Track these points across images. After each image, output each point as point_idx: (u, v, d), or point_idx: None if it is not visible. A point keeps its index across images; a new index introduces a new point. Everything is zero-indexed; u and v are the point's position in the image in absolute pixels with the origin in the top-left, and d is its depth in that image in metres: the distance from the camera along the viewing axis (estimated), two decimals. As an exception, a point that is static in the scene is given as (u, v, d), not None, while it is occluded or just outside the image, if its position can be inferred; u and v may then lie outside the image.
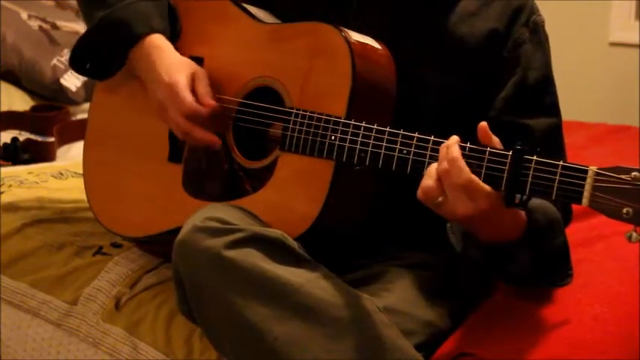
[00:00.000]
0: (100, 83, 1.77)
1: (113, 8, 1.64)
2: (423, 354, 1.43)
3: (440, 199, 1.33)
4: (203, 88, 1.58)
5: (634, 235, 1.24)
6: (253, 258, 1.37)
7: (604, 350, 1.39)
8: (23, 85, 2.95)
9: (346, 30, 1.50)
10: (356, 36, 1.50)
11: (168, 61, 1.60)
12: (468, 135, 1.36)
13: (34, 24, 3.01)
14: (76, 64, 1.70)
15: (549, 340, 1.42)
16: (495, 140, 1.35)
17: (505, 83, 1.57)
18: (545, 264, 1.45)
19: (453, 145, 1.33)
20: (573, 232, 1.62)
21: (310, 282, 1.37)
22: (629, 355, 1.39)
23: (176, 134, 1.60)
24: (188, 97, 1.56)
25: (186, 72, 1.58)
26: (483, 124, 1.34)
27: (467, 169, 1.31)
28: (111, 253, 1.82)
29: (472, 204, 1.31)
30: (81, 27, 3.07)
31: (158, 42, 1.63)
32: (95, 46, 1.67)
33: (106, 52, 1.67)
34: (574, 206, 1.63)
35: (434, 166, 1.34)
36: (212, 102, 1.56)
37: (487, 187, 1.31)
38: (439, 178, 1.33)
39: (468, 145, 1.34)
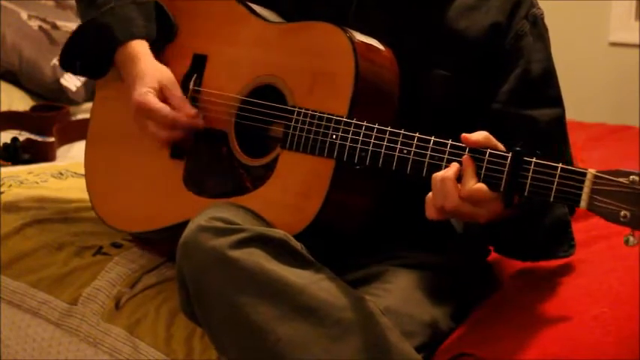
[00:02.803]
0: (101, 81, 1.78)
1: (100, 12, 1.66)
2: (423, 355, 1.43)
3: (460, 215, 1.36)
4: (175, 96, 1.60)
5: (631, 239, 1.25)
6: (257, 258, 1.37)
7: (604, 350, 1.38)
8: (23, 85, 2.95)
9: (351, 30, 1.51)
10: (360, 37, 1.51)
11: (139, 72, 1.62)
12: (471, 127, 1.37)
13: (34, 24, 3.01)
14: (65, 63, 1.73)
15: (549, 340, 1.42)
16: (479, 136, 1.36)
17: (507, 76, 1.57)
18: (546, 233, 1.47)
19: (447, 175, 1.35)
20: (573, 232, 1.62)
21: (314, 283, 1.37)
22: (629, 356, 1.38)
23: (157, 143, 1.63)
24: (162, 108, 1.58)
25: (152, 84, 1.60)
26: (463, 136, 1.36)
27: (455, 192, 1.33)
28: (111, 253, 1.83)
29: (486, 211, 1.33)
30: (81, 27, 3.07)
31: (136, 49, 1.65)
32: (82, 48, 1.70)
33: (92, 54, 1.69)
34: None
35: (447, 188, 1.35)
36: (192, 110, 1.59)
37: (491, 193, 1.33)
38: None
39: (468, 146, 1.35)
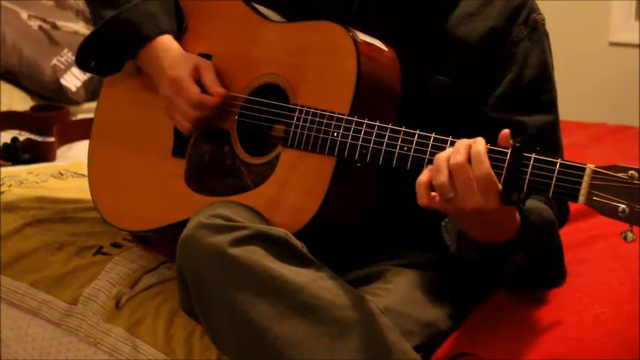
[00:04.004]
0: (107, 79, 1.79)
1: (122, 9, 1.66)
2: (422, 355, 1.43)
3: (451, 194, 1.30)
4: (209, 77, 1.60)
5: (629, 234, 1.24)
6: (257, 256, 1.37)
7: (604, 350, 1.39)
8: (23, 85, 2.95)
9: (354, 30, 1.51)
10: (363, 36, 1.51)
11: (173, 57, 1.63)
12: (468, 132, 1.36)
13: (34, 24, 3.01)
14: (81, 61, 1.73)
15: (549, 339, 1.42)
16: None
17: (501, 81, 1.57)
18: (538, 265, 1.46)
19: (479, 140, 1.31)
20: (573, 232, 1.62)
21: (314, 282, 1.37)
22: (629, 355, 1.39)
23: (182, 129, 1.62)
24: (193, 87, 1.59)
25: (188, 65, 1.61)
26: (506, 131, 1.32)
27: (488, 163, 1.29)
28: (111, 253, 1.83)
29: (482, 199, 1.30)
30: (80, 27, 3.07)
31: (166, 42, 1.66)
32: (103, 46, 1.70)
33: (114, 51, 1.70)
34: (573, 206, 1.63)
35: (441, 160, 1.31)
36: (221, 90, 1.59)
37: (499, 185, 1.31)
38: (451, 173, 1.30)
39: None
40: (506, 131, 1.33)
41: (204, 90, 1.60)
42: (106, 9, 1.68)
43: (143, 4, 1.66)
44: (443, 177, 1.30)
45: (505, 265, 1.42)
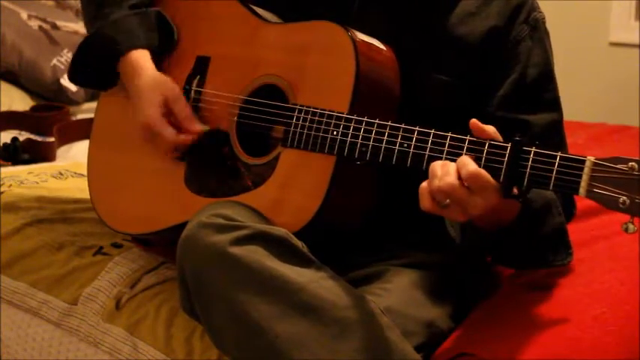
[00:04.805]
0: None
1: (102, 24, 1.68)
2: (423, 355, 1.43)
3: (447, 201, 1.31)
4: (182, 113, 1.61)
5: (630, 226, 1.24)
6: (258, 255, 1.37)
7: (604, 350, 1.39)
8: (23, 85, 2.95)
9: (352, 29, 1.51)
10: (362, 36, 1.51)
11: (142, 86, 1.63)
12: (468, 131, 1.36)
13: (34, 24, 3.01)
14: (75, 76, 1.75)
15: (549, 339, 1.42)
16: (490, 129, 1.35)
17: (504, 81, 1.57)
18: (542, 243, 1.47)
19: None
20: (573, 232, 1.62)
21: (314, 282, 1.38)
22: (629, 355, 1.39)
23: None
24: (167, 131, 1.60)
25: (156, 102, 1.61)
26: (473, 121, 1.34)
27: (472, 163, 1.31)
28: (111, 253, 1.83)
29: (482, 200, 1.30)
30: (80, 27, 3.07)
31: (137, 61, 1.66)
32: (88, 60, 1.72)
33: (98, 67, 1.71)
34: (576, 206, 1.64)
35: (435, 167, 1.33)
36: (197, 127, 1.61)
37: (493, 180, 1.31)
38: (446, 195, 1.31)
39: (468, 137, 1.35)
40: (474, 120, 1.34)
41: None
42: (94, 20, 1.71)
43: (122, 20, 1.67)
44: (436, 183, 1.31)
45: (509, 246, 1.44)
